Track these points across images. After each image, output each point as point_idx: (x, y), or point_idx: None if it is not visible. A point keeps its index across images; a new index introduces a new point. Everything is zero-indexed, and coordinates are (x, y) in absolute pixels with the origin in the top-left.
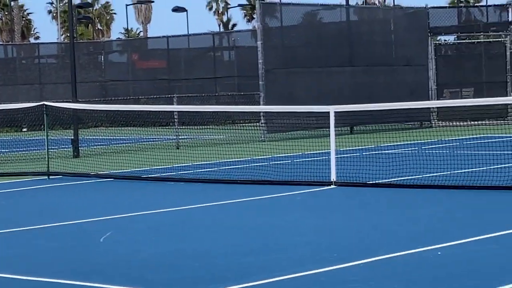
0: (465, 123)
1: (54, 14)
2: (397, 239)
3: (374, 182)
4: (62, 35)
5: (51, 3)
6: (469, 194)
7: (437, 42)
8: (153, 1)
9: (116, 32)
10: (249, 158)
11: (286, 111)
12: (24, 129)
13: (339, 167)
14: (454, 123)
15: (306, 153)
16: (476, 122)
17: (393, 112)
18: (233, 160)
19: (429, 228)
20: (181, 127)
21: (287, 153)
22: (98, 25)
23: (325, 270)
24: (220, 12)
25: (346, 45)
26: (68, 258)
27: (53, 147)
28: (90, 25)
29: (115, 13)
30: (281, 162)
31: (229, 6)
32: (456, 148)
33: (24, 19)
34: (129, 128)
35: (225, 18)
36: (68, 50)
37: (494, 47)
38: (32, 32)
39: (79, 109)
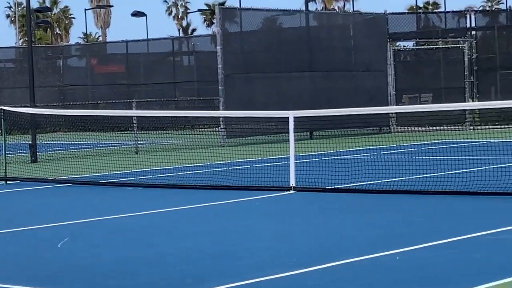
0: (423, 128)
1: (12, 19)
2: (356, 244)
3: (333, 187)
4: (20, 39)
5: (9, 7)
6: (427, 199)
7: (396, 48)
8: (112, 6)
9: (75, 36)
10: (208, 163)
11: (246, 116)
12: None
13: (298, 172)
14: (413, 129)
15: (265, 158)
16: (434, 128)
17: (352, 118)
18: (192, 165)
19: (388, 233)
20: (140, 132)
21: (246, 158)
22: (57, 29)
23: (284, 275)
24: (179, 17)
25: (305, 50)
26: (25, 264)
27: (10, 152)
28: (48, 29)
29: (74, 18)
30: (240, 167)
31: (188, 11)
32: (415, 154)
33: None
34: (88, 133)
35: (184, 23)
36: (27, 54)
37: (452, 53)
38: None
39: (37, 114)
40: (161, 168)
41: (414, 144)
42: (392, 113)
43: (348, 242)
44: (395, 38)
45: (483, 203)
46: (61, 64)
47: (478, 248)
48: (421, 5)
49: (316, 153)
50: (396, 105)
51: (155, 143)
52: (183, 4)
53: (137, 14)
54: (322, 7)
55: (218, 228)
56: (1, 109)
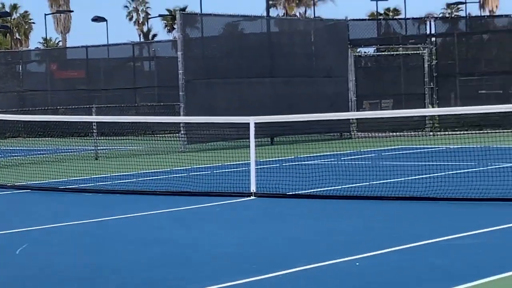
0: (384, 134)
1: None
2: (316, 250)
3: (294, 193)
4: None
5: None
6: (387, 205)
7: (356, 54)
8: (72, 11)
9: (34, 41)
10: (169, 169)
11: (206, 121)
12: None
13: (259, 178)
14: (373, 134)
15: (226, 164)
16: (394, 133)
17: (313, 123)
18: (153, 171)
19: (348, 239)
20: (100, 138)
21: (207, 164)
22: (17, 34)
23: (244, 281)
24: (140, 22)
25: (266, 56)
26: None
27: None
28: (8, 34)
29: (33, 23)
30: (201, 173)
31: (149, 16)
32: (375, 159)
33: None
34: (47, 138)
35: (145, 28)
36: None
37: (413, 59)
38: None
39: None
40: (121, 174)
41: (374, 150)
42: (352, 119)
43: (308, 248)
44: (356, 44)
45: (442, 208)
46: (20, 69)
47: (438, 254)
48: (382, 12)
49: (276, 158)
50: (357, 111)
51: (115, 149)
52: (144, 9)
53: (97, 19)
54: (284, 13)
55: (178, 234)
56: None
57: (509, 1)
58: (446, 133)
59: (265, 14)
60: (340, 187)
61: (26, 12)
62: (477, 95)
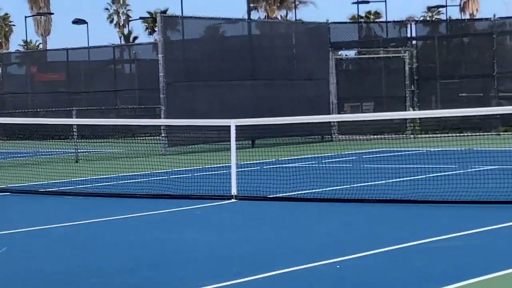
0: (365, 137)
1: None
2: (297, 252)
3: (274, 195)
4: None
5: None
6: (368, 207)
7: (338, 57)
8: (53, 13)
9: (15, 44)
10: (149, 172)
11: (187, 124)
12: None
13: (240, 181)
14: (355, 137)
15: (207, 166)
16: (376, 136)
17: (294, 126)
18: (133, 173)
19: (329, 241)
20: (80, 141)
21: (188, 167)
22: None
23: (224, 284)
24: (121, 24)
25: (248, 59)
26: None
27: None
28: None
29: (14, 25)
30: (182, 175)
31: (130, 18)
32: (356, 162)
33: None
34: (28, 141)
35: (126, 31)
36: None
37: (394, 62)
38: None
39: None
40: (102, 177)
41: (355, 153)
42: (334, 121)
43: (289, 250)
44: (337, 47)
45: (423, 211)
46: (0, 71)
47: (418, 256)
48: (363, 15)
49: (257, 161)
50: (338, 113)
51: (95, 151)
52: (125, 12)
53: (78, 21)
54: (265, 16)
55: (159, 237)
56: None
57: (489, 4)
58: (427, 135)
59: (246, 16)
60: (321, 189)
61: (6, 14)
62: (458, 98)
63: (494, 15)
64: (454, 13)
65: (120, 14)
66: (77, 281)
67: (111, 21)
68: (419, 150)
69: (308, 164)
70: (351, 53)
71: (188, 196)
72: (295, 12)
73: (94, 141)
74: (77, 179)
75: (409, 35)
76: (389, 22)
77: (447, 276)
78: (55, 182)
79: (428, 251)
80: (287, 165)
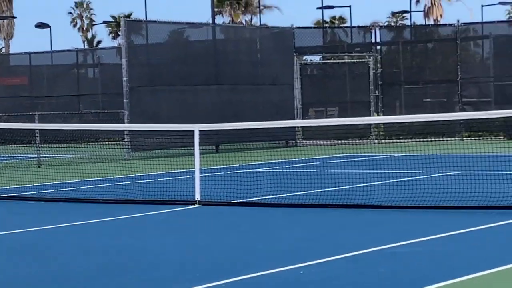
0: (329, 142)
1: None
2: (261, 258)
3: (238, 201)
4: None
5: None
6: (332, 212)
7: (302, 62)
8: (15, 17)
9: None
10: (112, 177)
11: (151, 129)
12: None
13: (203, 186)
14: (319, 142)
15: (170, 171)
16: (340, 141)
17: (258, 131)
18: (96, 179)
19: (292, 247)
20: (42, 145)
21: (151, 172)
22: None
23: None
24: (84, 28)
25: (212, 63)
26: None
27: None
28: None
29: None
30: (145, 181)
31: (94, 23)
32: (320, 167)
33: None
34: None
35: (89, 35)
36: None
37: (358, 68)
38: None
39: None
40: (64, 182)
41: (319, 158)
42: (298, 126)
43: (252, 256)
44: (301, 52)
45: (387, 216)
46: None
47: (382, 262)
48: (328, 20)
49: (221, 166)
50: (303, 118)
51: (58, 156)
52: (88, 16)
53: (41, 25)
54: (229, 21)
55: (121, 243)
56: None
57: (453, 10)
58: (391, 141)
59: (210, 21)
60: (284, 195)
61: None
62: (422, 103)
63: (458, 21)
64: (419, 19)
65: (84, 18)
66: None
67: (75, 25)
68: (383, 155)
69: (272, 169)
70: (316, 58)
71: (151, 202)
72: (260, 17)
73: (57, 146)
74: (39, 184)
75: (373, 40)
76: (354, 27)
77: (410, 281)
78: (17, 187)
79: (392, 257)
80: (251, 170)
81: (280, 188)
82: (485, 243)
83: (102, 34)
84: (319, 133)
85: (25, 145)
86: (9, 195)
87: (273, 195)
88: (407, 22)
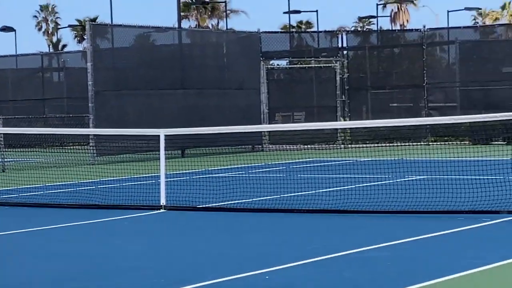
0: (296, 146)
1: None
2: (226, 263)
3: (204, 206)
4: None
5: None
6: (298, 217)
7: (269, 66)
8: None
9: None
10: (77, 182)
11: (116, 134)
12: None
13: (169, 191)
14: (286, 147)
15: (135, 176)
16: (306, 146)
17: (225, 136)
18: (61, 183)
19: (258, 252)
20: (7, 150)
21: (117, 177)
22: None
23: None
24: (50, 32)
25: (178, 68)
26: None
27: None
28: None
29: None
30: (110, 185)
31: (59, 26)
32: (286, 172)
33: None
34: None
35: (55, 39)
36: None
37: (325, 72)
38: None
39: None
40: (29, 186)
41: (286, 163)
42: (264, 131)
43: (218, 261)
44: (268, 57)
45: (352, 221)
46: None
47: (347, 266)
48: (294, 25)
49: (187, 171)
50: (269, 123)
51: (22, 161)
52: (54, 19)
53: (5, 29)
54: (196, 25)
55: (86, 248)
56: None
57: (419, 15)
58: (358, 145)
59: (177, 25)
60: (250, 200)
61: None
62: (388, 108)
63: (424, 26)
64: (385, 24)
65: (49, 22)
66: None
67: (40, 29)
68: (349, 160)
69: (238, 174)
70: (283, 63)
71: (116, 206)
72: (226, 21)
73: (21, 150)
74: (3, 188)
75: (340, 45)
76: (321, 32)
77: (375, 286)
78: None
79: (358, 261)
80: (217, 175)
81: (246, 193)
82: (450, 248)
83: (67, 38)
84: (285, 137)
85: None
86: None
87: (239, 200)
88: (374, 27)
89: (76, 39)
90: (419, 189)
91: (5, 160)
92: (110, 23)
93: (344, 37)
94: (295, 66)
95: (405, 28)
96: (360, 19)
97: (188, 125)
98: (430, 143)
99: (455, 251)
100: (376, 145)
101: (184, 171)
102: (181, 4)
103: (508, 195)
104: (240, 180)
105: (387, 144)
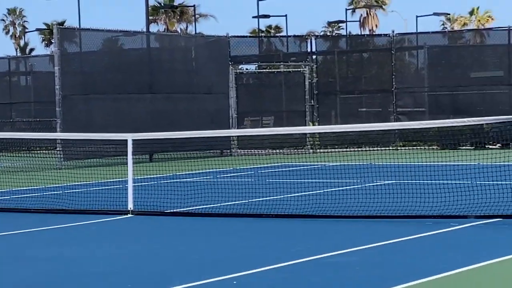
0: (264, 151)
1: None
2: (194, 268)
3: (172, 210)
4: None
5: None
6: (266, 222)
7: (238, 70)
8: None
9: None
10: (44, 186)
11: (83, 138)
12: None
13: (136, 196)
14: (254, 151)
15: (103, 181)
16: (275, 151)
17: (193, 140)
18: (27, 188)
19: (226, 257)
20: None
21: (84, 181)
22: None
23: None
24: (17, 36)
25: (146, 72)
26: None
27: None
28: None
29: None
30: (77, 190)
31: (26, 30)
32: (255, 177)
33: None
34: None
35: (22, 43)
36: None
37: (294, 77)
38: None
39: None
40: None
41: (254, 167)
42: (233, 136)
43: (185, 266)
44: (237, 61)
45: (321, 226)
46: None
47: (315, 271)
48: (264, 29)
49: (155, 176)
50: (238, 127)
51: None
52: (21, 23)
53: None
54: (164, 29)
55: (52, 253)
56: None
57: (388, 20)
58: (326, 150)
59: (145, 29)
60: (218, 204)
61: None
62: (357, 113)
63: (393, 31)
64: (354, 29)
65: (16, 26)
66: None
67: (7, 33)
68: (318, 165)
69: (206, 178)
70: (252, 67)
71: (83, 211)
72: (195, 26)
73: None
74: None
75: (309, 49)
76: (290, 36)
77: None
78: None
79: (325, 266)
80: (185, 179)
81: (215, 197)
82: (418, 252)
83: (35, 41)
84: (254, 142)
85: None
86: None
87: (207, 204)
88: (343, 32)
89: (43, 43)
90: (387, 194)
91: None
92: (78, 27)
93: (313, 41)
94: (264, 70)
95: (374, 33)
96: (329, 23)
97: (156, 129)
98: (398, 148)
99: (423, 255)
100: (345, 149)
101: (152, 176)
102: (149, 8)
103: (475, 200)
104: (208, 185)
105: (356, 149)
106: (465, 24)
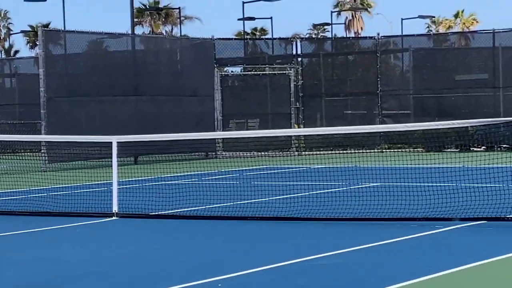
0: (250, 154)
1: None
2: (179, 271)
3: (156, 213)
4: None
5: None
6: (251, 225)
7: (223, 73)
8: None
9: None
10: (28, 189)
11: (68, 140)
12: None
13: (121, 198)
14: (240, 154)
15: (87, 183)
16: (260, 153)
17: (178, 143)
18: (12, 190)
19: (212, 259)
20: None
21: (68, 184)
22: None
23: None
24: (2, 38)
25: (131, 74)
26: None
27: None
28: None
29: None
30: (62, 192)
31: (11, 32)
32: (240, 179)
33: None
34: None
35: (7, 45)
36: None
37: (279, 79)
38: None
39: None
40: None
41: (240, 170)
42: (218, 138)
43: (170, 269)
44: (222, 64)
45: (306, 228)
46: None
47: (300, 274)
48: (249, 31)
49: (140, 178)
50: (223, 130)
51: None
52: (6, 25)
53: None
54: (149, 31)
55: (37, 256)
56: None
57: (373, 23)
58: (312, 152)
59: (130, 31)
60: (204, 207)
61: None
62: (342, 115)
63: (378, 34)
64: (339, 31)
65: (1, 28)
66: None
67: None
68: (303, 167)
69: (191, 181)
70: (237, 70)
71: (68, 214)
72: (180, 28)
73: None
74: None
75: (294, 52)
76: (275, 39)
77: None
78: None
79: (311, 269)
80: (170, 182)
81: (200, 200)
82: (403, 255)
83: (19, 43)
84: (239, 145)
85: None
86: None
87: (192, 207)
88: (328, 35)
89: (28, 45)
90: (372, 196)
91: None
92: (62, 29)
93: (299, 44)
94: (249, 73)
95: (359, 36)
96: (315, 26)
97: (141, 132)
98: (383, 150)
99: (408, 258)
100: (330, 152)
101: (137, 178)
102: (134, 10)
103: (460, 202)
104: (193, 187)
105: (341, 151)
106: (450, 27)
